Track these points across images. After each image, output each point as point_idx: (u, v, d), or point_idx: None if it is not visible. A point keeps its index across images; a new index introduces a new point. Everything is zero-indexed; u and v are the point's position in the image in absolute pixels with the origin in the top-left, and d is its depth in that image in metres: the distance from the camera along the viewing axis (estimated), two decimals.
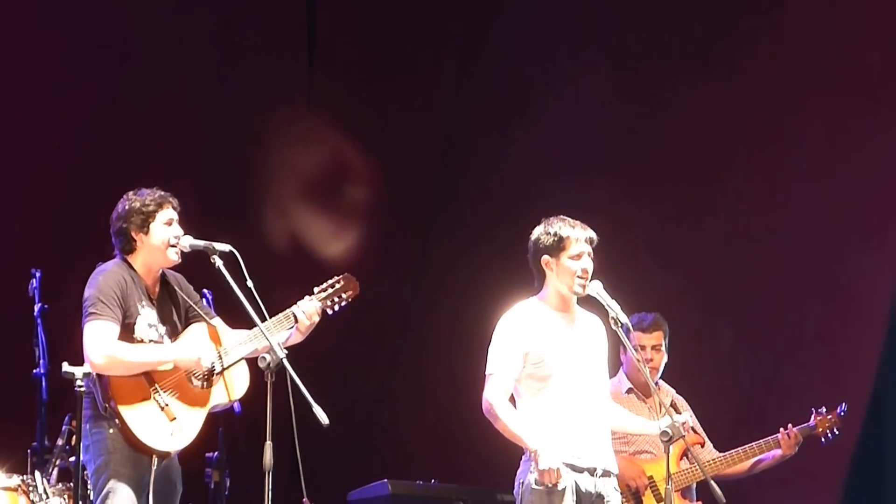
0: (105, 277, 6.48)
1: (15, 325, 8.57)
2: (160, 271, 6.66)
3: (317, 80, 10.83)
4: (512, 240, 6.99)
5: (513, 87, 10.79)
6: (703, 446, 8.10)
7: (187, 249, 6.58)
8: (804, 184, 9.37)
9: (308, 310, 6.60)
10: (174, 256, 6.58)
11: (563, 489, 6.40)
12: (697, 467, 7.78)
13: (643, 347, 8.03)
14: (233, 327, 6.66)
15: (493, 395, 6.47)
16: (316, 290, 6.71)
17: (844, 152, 9.25)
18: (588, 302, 6.65)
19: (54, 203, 9.54)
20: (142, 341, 6.48)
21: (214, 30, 10.31)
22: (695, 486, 8.03)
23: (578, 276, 6.54)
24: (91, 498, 6.50)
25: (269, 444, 6.01)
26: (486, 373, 6.56)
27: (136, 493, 6.38)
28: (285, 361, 6.05)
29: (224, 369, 6.56)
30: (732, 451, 8.09)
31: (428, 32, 10.91)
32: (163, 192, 6.65)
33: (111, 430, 6.37)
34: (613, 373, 8.15)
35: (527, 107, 10.68)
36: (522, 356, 6.52)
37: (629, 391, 8.13)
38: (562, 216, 6.66)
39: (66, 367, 6.42)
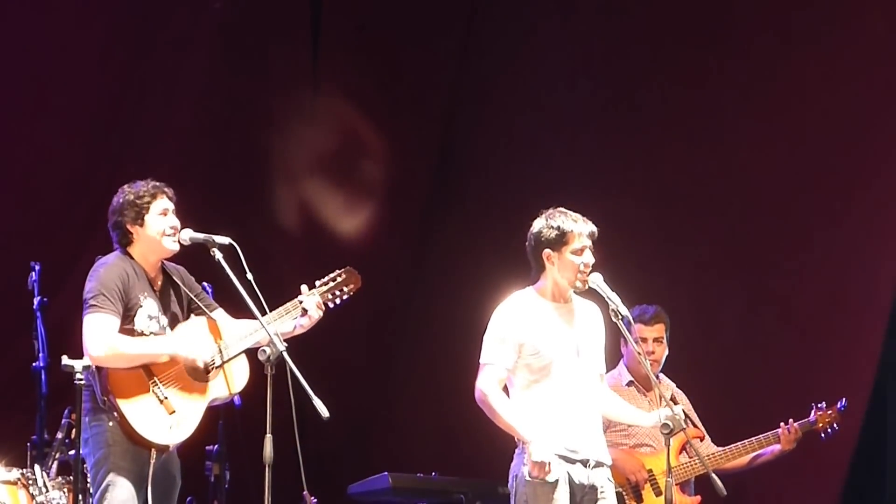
0: (106, 270, 6.47)
1: (15, 319, 8.57)
2: (161, 263, 6.65)
3: (322, 62, 10.82)
4: (512, 229, 6.97)
5: (513, 72, 10.77)
6: (702, 440, 8.09)
7: (187, 242, 6.56)
8: (808, 175, 9.34)
9: (310, 306, 6.59)
10: (171, 246, 6.57)
11: (556, 481, 6.42)
12: (698, 461, 7.77)
13: (644, 339, 8.02)
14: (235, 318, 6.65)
15: (487, 385, 6.49)
16: (318, 283, 6.70)
17: (848, 143, 9.22)
18: (587, 291, 6.64)
19: (57, 196, 9.53)
20: (142, 333, 6.46)
21: (222, 13, 10.33)
22: (693, 480, 8.02)
23: (580, 271, 6.54)
24: (90, 491, 6.49)
25: (269, 437, 6.01)
26: (481, 362, 6.57)
27: (136, 486, 6.37)
28: (285, 354, 6.04)
29: (224, 363, 6.55)
30: (732, 445, 8.09)
31: (430, 15, 10.90)
32: (157, 183, 6.63)
33: (111, 423, 6.35)
34: (613, 364, 8.15)
35: (529, 89, 10.65)
36: (517, 347, 6.52)
37: (630, 384, 8.12)
38: (562, 209, 6.64)
39: (65, 360, 6.43)
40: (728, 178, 9.66)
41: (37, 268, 8.05)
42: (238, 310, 6.48)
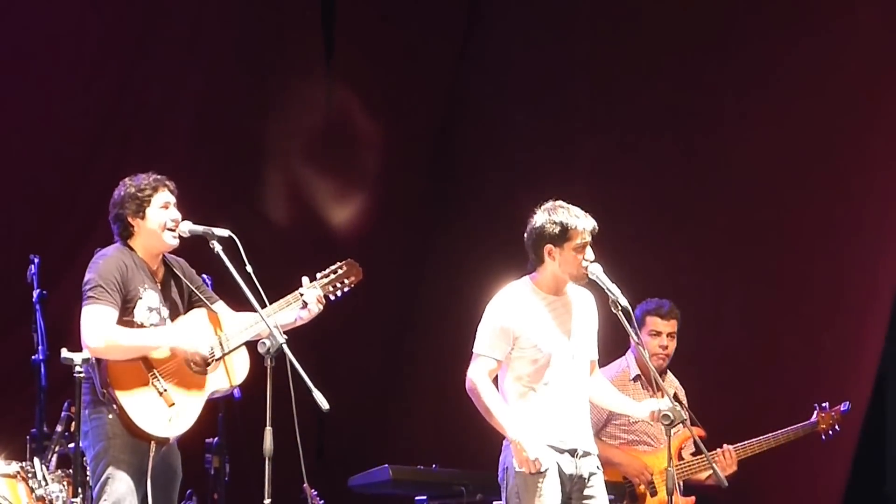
0: (105, 262, 6.46)
1: (14, 312, 8.56)
2: (162, 255, 6.64)
3: (337, 54, 10.82)
4: (514, 225, 6.95)
5: (514, 66, 10.77)
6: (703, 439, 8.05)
7: (186, 235, 6.55)
8: (812, 175, 9.32)
9: (311, 299, 6.57)
10: (171, 240, 6.56)
11: (546, 471, 6.44)
12: (703, 457, 7.76)
13: (659, 333, 8.01)
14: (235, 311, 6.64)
15: (478, 376, 6.50)
16: (318, 275, 6.68)
17: (853, 144, 9.20)
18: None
19: (57, 189, 9.52)
20: (142, 325, 6.45)
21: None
22: (682, 483, 8.00)
23: (582, 267, 6.53)
24: (90, 484, 6.48)
25: (268, 430, 6.00)
26: (473, 351, 6.58)
27: (136, 479, 6.36)
28: (285, 346, 6.03)
29: (224, 355, 6.53)
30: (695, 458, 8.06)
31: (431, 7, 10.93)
32: (158, 176, 6.62)
33: (110, 416, 6.34)
34: (616, 355, 8.13)
35: (530, 83, 10.66)
36: (511, 339, 6.53)
37: (636, 378, 8.09)
38: (562, 203, 6.62)
39: (64, 353, 6.41)
40: (731, 177, 9.66)
41: (36, 260, 8.04)
42: (238, 302, 6.46)
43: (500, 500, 6.69)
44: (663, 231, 9.77)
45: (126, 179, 6.63)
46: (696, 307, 9.17)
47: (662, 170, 9.87)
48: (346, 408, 10.41)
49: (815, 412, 8.06)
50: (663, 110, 9.94)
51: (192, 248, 6.68)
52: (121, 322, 6.40)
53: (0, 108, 9.27)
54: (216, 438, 8.39)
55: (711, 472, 7.97)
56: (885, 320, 8.92)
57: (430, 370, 10.50)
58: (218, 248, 6.39)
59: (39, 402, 7.82)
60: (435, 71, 11.11)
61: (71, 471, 7.01)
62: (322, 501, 8.85)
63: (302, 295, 6.58)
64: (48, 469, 7.34)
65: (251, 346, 6.38)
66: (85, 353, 6.36)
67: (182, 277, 6.66)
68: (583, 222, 6.54)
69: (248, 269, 6.25)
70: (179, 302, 6.64)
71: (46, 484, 7.13)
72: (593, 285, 6.59)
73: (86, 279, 6.43)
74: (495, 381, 6.58)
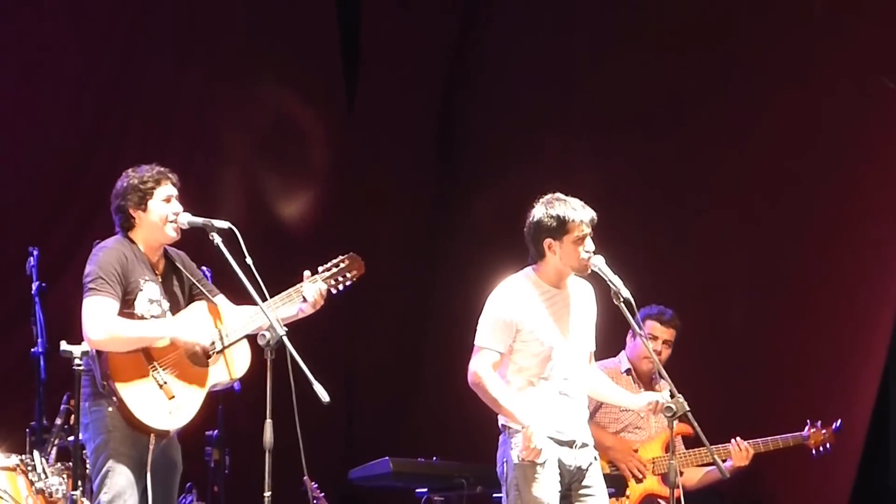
0: (106, 254, 6.44)
1: (14, 305, 8.55)
2: (162, 248, 6.62)
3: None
4: (515, 222, 6.93)
5: (517, 60, 10.77)
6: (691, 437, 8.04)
7: (185, 226, 6.53)
8: (818, 177, 9.30)
9: (311, 292, 6.54)
10: (173, 233, 6.54)
11: (545, 462, 6.45)
12: (694, 452, 7.77)
13: (655, 338, 8.01)
14: (235, 304, 6.61)
15: (481, 368, 6.50)
16: (320, 269, 6.65)
17: (860, 144, 9.18)
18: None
19: (56, 180, 9.51)
20: (142, 317, 6.43)
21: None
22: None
23: (582, 259, 6.52)
24: (90, 477, 6.46)
25: (269, 422, 5.98)
26: (475, 344, 6.57)
27: (136, 472, 6.34)
28: (285, 339, 6.01)
29: (224, 348, 6.51)
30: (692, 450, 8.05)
31: None
32: (161, 169, 6.59)
33: (110, 409, 6.32)
34: (615, 351, 8.13)
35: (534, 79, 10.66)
36: (513, 331, 6.52)
37: (627, 371, 8.12)
38: (560, 195, 6.60)
39: (64, 345, 6.40)
40: (736, 176, 9.63)
41: (35, 253, 8.02)
42: (237, 295, 6.44)
43: (500, 493, 6.69)
44: (670, 230, 9.76)
45: (128, 170, 6.60)
46: (703, 308, 9.19)
47: (671, 168, 9.85)
48: (346, 400, 10.54)
49: (808, 427, 8.05)
50: (667, 107, 9.92)
51: (191, 241, 6.67)
52: (121, 314, 6.37)
53: None
54: (216, 431, 8.37)
55: (706, 467, 8.05)
56: (892, 317, 8.91)
57: (432, 363, 10.52)
58: (218, 239, 6.36)
59: (39, 395, 7.80)
60: (437, 54, 11.14)
61: (70, 464, 7.01)
62: (322, 494, 8.85)
63: (302, 288, 6.56)
64: (48, 462, 7.33)
65: (252, 338, 6.35)
66: (84, 346, 6.35)
67: (183, 270, 6.64)
68: (580, 214, 6.52)
69: (248, 260, 6.23)
70: (180, 294, 6.62)
71: (46, 477, 7.12)
72: (596, 277, 6.57)
73: (86, 271, 6.41)
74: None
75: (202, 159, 9.97)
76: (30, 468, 7.14)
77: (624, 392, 6.99)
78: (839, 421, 8.10)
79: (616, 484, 7.81)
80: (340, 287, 6.66)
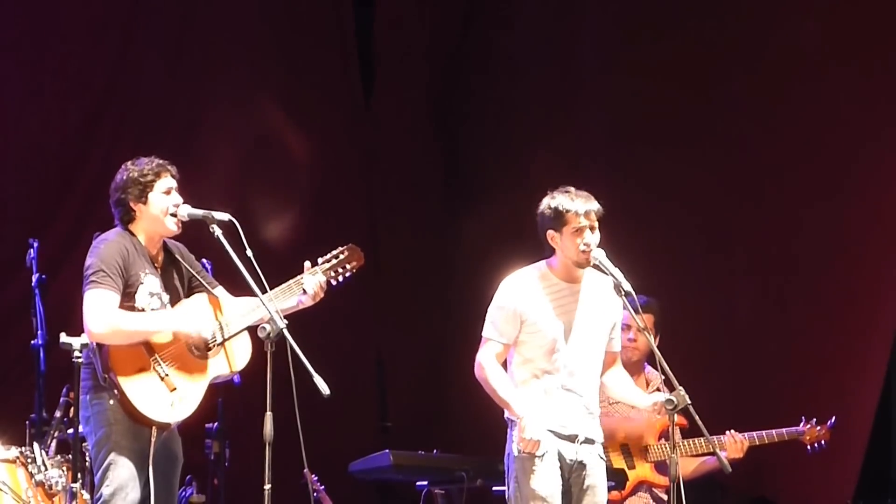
0: (107, 246, 6.41)
1: (15, 297, 8.54)
2: (162, 240, 6.60)
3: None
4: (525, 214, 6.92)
5: (522, 54, 10.78)
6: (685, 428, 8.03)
7: (185, 218, 6.49)
8: (824, 174, 9.30)
9: (312, 284, 6.52)
10: (173, 226, 6.52)
11: (544, 455, 6.46)
12: (704, 441, 7.73)
13: (629, 327, 7.96)
14: (235, 296, 6.60)
15: (486, 359, 6.54)
16: (320, 260, 6.63)
17: (864, 142, 9.17)
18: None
19: (56, 172, 9.50)
20: (143, 311, 6.41)
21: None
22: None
23: (580, 251, 6.50)
24: (90, 469, 6.44)
25: (269, 415, 5.96)
26: (482, 335, 6.59)
27: (138, 465, 6.32)
28: (285, 331, 5.99)
29: (225, 340, 6.49)
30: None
31: None
32: (161, 161, 6.56)
33: (112, 402, 6.30)
34: None
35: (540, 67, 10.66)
36: (519, 322, 6.54)
37: None
38: (566, 188, 6.58)
39: (63, 337, 6.38)
40: (742, 172, 9.63)
41: (35, 245, 8.00)
42: (238, 287, 6.42)
43: (501, 486, 6.69)
44: (677, 225, 9.77)
45: (128, 163, 6.57)
46: (708, 303, 9.18)
47: (677, 166, 9.85)
48: (347, 392, 10.54)
49: (802, 423, 8.03)
50: (682, 106, 9.91)
51: (192, 232, 6.65)
52: (122, 307, 6.35)
53: None
54: (216, 423, 8.36)
55: (700, 458, 8.03)
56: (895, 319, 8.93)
57: (433, 355, 10.52)
58: (218, 231, 6.34)
59: (38, 388, 7.78)
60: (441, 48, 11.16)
61: (70, 456, 7.00)
62: (323, 487, 8.85)
63: (302, 280, 6.54)
64: (47, 454, 7.32)
65: (253, 331, 6.34)
66: (83, 338, 6.33)
67: (182, 262, 6.62)
68: (577, 205, 6.50)
69: (249, 252, 6.20)
70: (180, 287, 6.60)
71: (46, 469, 7.10)
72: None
73: (87, 264, 6.38)
74: (504, 364, 6.60)
75: (198, 152, 9.96)
76: (29, 460, 7.13)
77: (638, 392, 6.93)
78: (833, 418, 8.08)
79: (616, 478, 7.80)
80: (340, 278, 6.64)
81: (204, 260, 6.87)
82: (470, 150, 11.18)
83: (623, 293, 6.42)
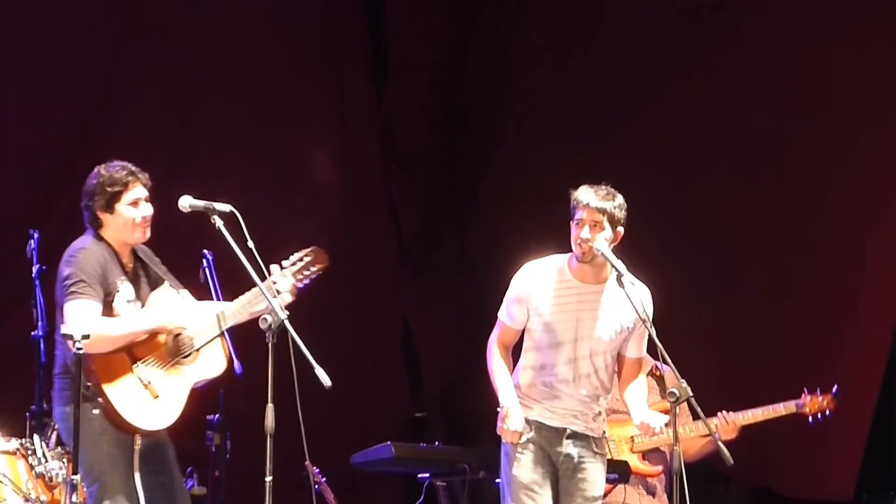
0: (85, 255, 6.36)
1: (15, 288, 8.52)
2: (130, 247, 6.55)
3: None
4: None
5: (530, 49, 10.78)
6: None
7: (187, 210, 6.43)
8: (828, 166, 9.30)
9: (285, 286, 6.49)
10: (139, 237, 6.48)
11: (528, 444, 6.52)
12: (701, 426, 7.71)
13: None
14: (235, 289, 6.57)
15: (492, 341, 6.67)
16: (285, 263, 6.56)
17: (868, 138, 9.18)
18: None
19: (56, 163, 9.48)
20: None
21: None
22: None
23: (577, 244, 6.49)
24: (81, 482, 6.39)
25: (270, 407, 5.94)
26: (497, 316, 6.69)
27: (127, 473, 6.29)
28: (287, 323, 5.96)
29: (200, 347, 6.45)
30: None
31: None
32: (133, 169, 6.50)
33: (96, 412, 6.27)
34: None
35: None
36: (525, 309, 6.58)
37: None
38: (601, 185, 6.52)
39: (64, 328, 6.34)
40: (747, 164, 9.62)
41: (35, 235, 7.99)
42: (238, 279, 6.39)
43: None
44: (678, 213, 9.77)
45: (101, 167, 6.51)
46: (712, 291, 9.17)
47: (685, 164, 9.85)
48: (349, 384, 10.53)
49: (804, 395, 7.96)
50: (689, 104, 9.90)
51: (193, 223, 6.62)
52: (103, 315, 6.32)
53: None
54: (217, 416, 8.34)
55: (704, 440, 8.01)
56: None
57: (437, 347, 10.52)
58: (219, 222, 6.29)
59: (39, 379, 7.76)
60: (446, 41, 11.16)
61: (70, 448, 6.97)
62: (324, 479, 8.83)
63: (275, 283, 6.47)
64: (48, 446, 7.30)
65: (245, 325, 6.32)
66: (85, 330, 6.25)
67: (150, 265, 6.58)
68: (584, 197, 6.48)
69: (250, 244, 6.17)
70: (149, 291, 6.56)
71: (46, 461, 7.10)
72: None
73: (65, 274, 6.32)
74: (518, 347, 6.65)
75: (198, 147, 9.96)
76: (30, 452, 7.12)
77: (639, 405, 6.73)
78: (836, 387, 8.00)
79: (620, 470, 7.77)
80: (306, 281, 6.58)
81: (205, 251, 6.84)
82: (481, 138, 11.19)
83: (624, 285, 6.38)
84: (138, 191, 6.46)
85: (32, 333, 7.76)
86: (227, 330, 6.54)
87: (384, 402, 10.57)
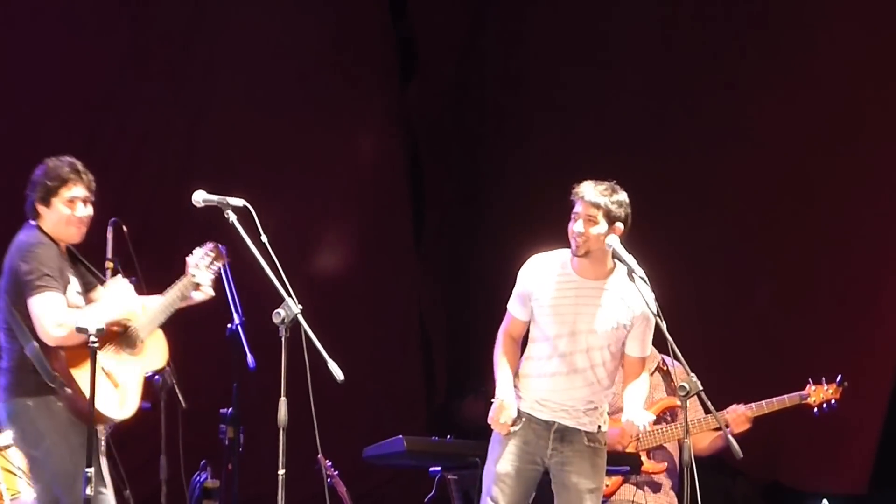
0: (43, 249, 6.36)
1: None
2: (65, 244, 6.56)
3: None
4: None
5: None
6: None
7: (200, 204, 6.44)
8: (833, 160, 9.31)
9: (205, 279, 6.53)
10: (73, 234, 6.49)
11: (513, 437, 6.58)
12: (712, 418, 7.72)
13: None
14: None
15: (501, 332, 6.72)
16: (192, 259, 6.60)
17: (870, 135, 9.17)
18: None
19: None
20: (77, 307, 6.41)
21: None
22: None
23: (572, 238, 6.52)
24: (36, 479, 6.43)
25: (283, 400, 5.96)
26: (507, 306, 6.73)
27: (97, 462, 6.30)
28: (300, 317, 5.98)
29: (145, 337, 6.51)
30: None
31: None
32: (80, 168, 6.50)
33: (59, 403, 6.28)
34: None
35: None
36: (528, 301, 6.63)
37: None
38: (605, 181, 6.55)
39: (72, 322, 6.32)
40: (754, 158, 9.63)
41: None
42: (251, 273, 6.41)
43: None
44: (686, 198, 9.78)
45: (49, 160, 6.53)
46: (724, 284, 9.17)
47: (693, 162, 9.86)
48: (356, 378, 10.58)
49: (808, 386, 7.94)
50: (697, 104, 9.92)
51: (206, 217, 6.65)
52: None
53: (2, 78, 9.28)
54: (230, 409, 8.35)
55: (713, 435, 8.01)
56: None
57: (443, 340, 10.53)
58: (233, 217, 6.31)
59: None
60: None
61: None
62: (337, 472, 8.85)
63: (194, 276, 6.53)
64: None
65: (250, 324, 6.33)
66: (99, 323, 6.26)
67: (79, 258, 6.60)
68: (581, 189, 6.52)
69: (263, 238, 6.20)
70: (85, 284, 6.58)
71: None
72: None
73: (26, 269, 6.29)
74: (526, 337, 6.68)
75: (200, 143, 9.98)
76: None
77: (635, 403, 6.70)
78: (840, 376, 7.99)
79: (632, 462, 7.78)
80: (213, 275, 6.63)
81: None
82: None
83: (634, 279, 6.40)
84: (77, 190, 6.46)
85: None
86: (241, 324, 6.56)
87: (398, 395, 10.59)
